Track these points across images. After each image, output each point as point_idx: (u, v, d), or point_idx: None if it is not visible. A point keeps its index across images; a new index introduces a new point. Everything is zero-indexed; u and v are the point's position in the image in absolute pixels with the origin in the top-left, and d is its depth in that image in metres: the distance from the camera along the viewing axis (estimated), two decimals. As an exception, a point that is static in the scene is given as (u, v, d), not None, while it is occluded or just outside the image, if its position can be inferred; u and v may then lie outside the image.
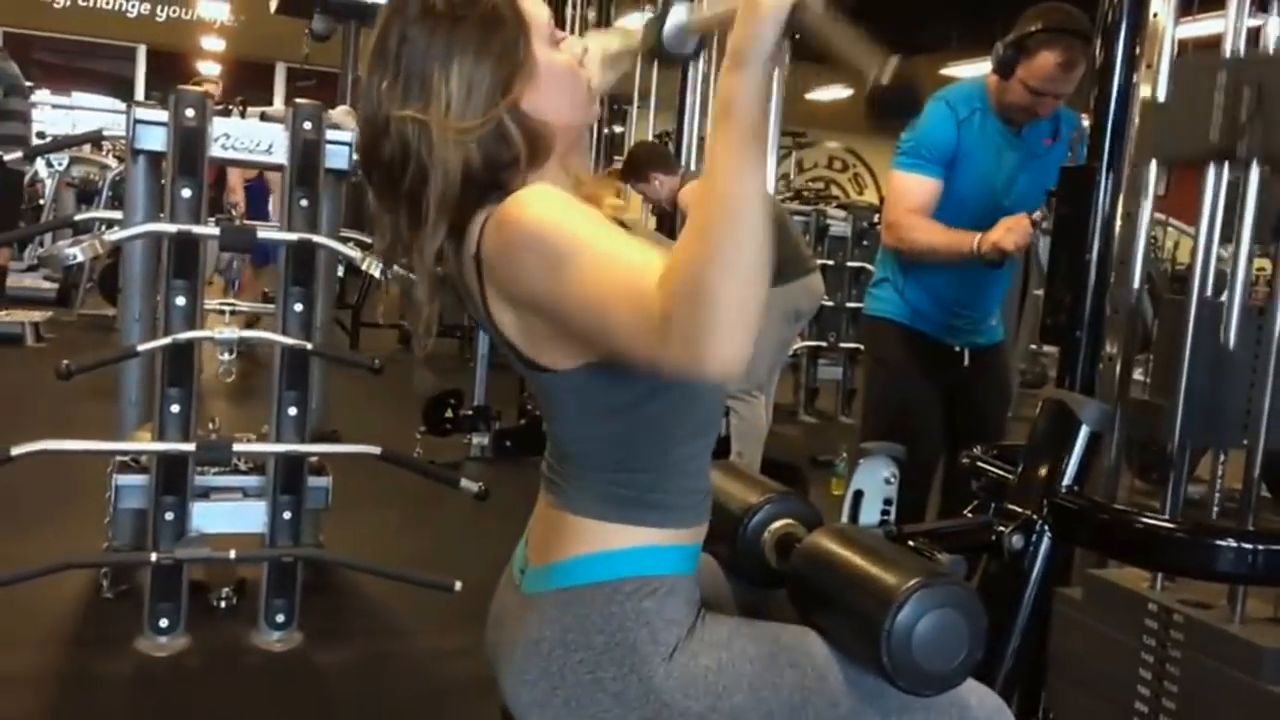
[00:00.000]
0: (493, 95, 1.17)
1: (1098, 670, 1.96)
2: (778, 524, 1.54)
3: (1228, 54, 1.83)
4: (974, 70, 9.97)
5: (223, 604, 3.16)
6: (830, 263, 6.95)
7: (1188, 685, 1.78)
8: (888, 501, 1.71)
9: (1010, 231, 2.62)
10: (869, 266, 7.30)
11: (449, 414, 5.38)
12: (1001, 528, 1.69)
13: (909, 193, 2.82)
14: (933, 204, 2.81)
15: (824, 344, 7.02)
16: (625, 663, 1.18)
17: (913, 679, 1.23)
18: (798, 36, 1.02)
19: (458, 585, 2.94)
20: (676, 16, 1.18)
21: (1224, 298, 1.80)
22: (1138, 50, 2.03)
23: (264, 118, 3.06)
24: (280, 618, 2.97)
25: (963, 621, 1.26)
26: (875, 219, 6.98)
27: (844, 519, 1.70)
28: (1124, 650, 1.90)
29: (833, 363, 7.12)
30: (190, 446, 2.82)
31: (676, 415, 1.22)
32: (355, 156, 1.27)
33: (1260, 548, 1.55)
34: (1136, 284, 2.01)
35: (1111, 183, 2.07)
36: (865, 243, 7.05)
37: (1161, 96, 2.02)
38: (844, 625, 1.30)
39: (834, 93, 14.58)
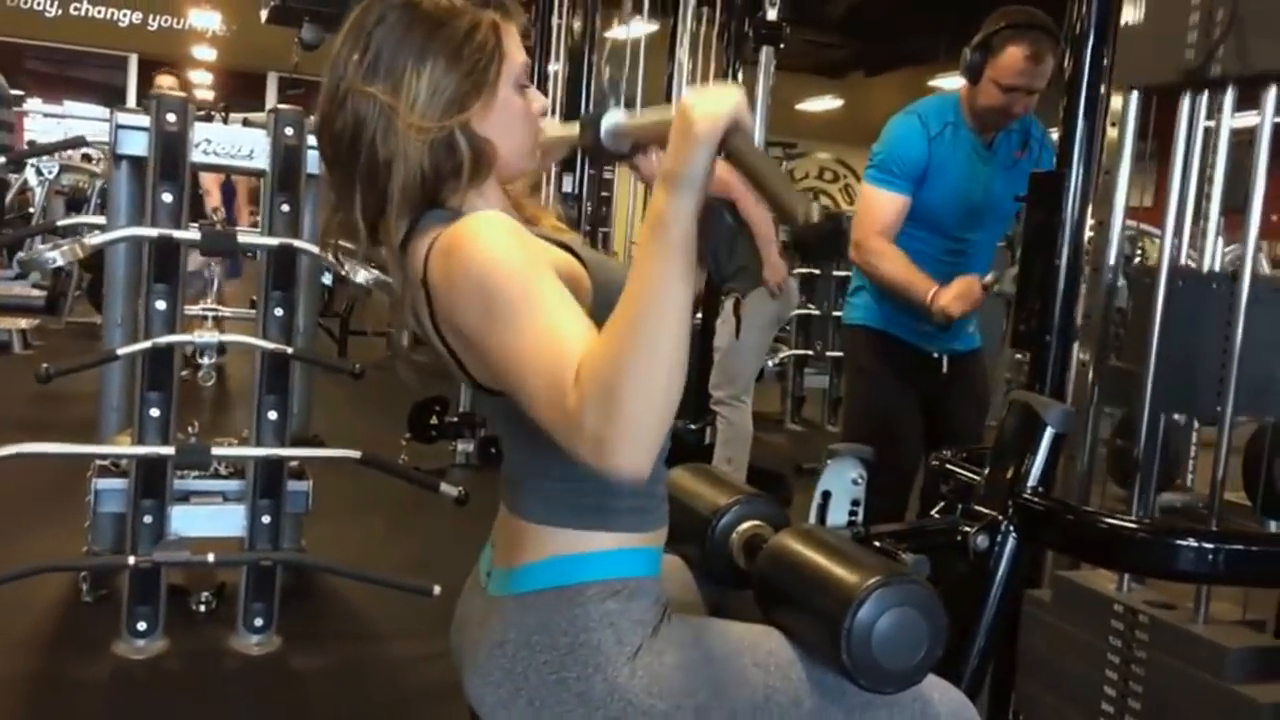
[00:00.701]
0: (450, 107, 1.20)
1: (1066, 671, 1.97)
2: (745, 525, 1.56)
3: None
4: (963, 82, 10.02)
5: (202, 608, 3.16)
6: (816, 272, 6.98)
7: (1153, 685, 1.80)
8: (855, 503, 1.73)
9: (959, 299, 2.66)
10: (855, 276, 7.32)
11: (434, 421, 5.37)
12: (966, 528, 1.70)
13: (877, 211, 2.83)
14: (899, 222, 2.84)
15: (810, 353, 7.04)
16: (589, 662, 1.19)
17: (873, 676, 1.24)
18: (729, 157, 1.05)
19: (437, 590, 2.95)
20: (610, 120, 1.23)
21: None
22: (1105, 59, 2.06)
23: (246, 123, 3.07)
24: (259, 621, 2.97)
25: (922, 619, 1.27)
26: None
27: (812, 520, 1.71)
28: (1091, 651, 1.92)
29: (819, 371, 7.14)
30: (169, 450, 2.82)
31: None
32: (315, 127, 1.28)
33: (1221, 548, 1.56)
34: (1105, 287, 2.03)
35: (1081, 189, 2.10)
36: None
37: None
38: (806, 624, 1.32)
39: (825, 104, 14.66)
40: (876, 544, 1.62)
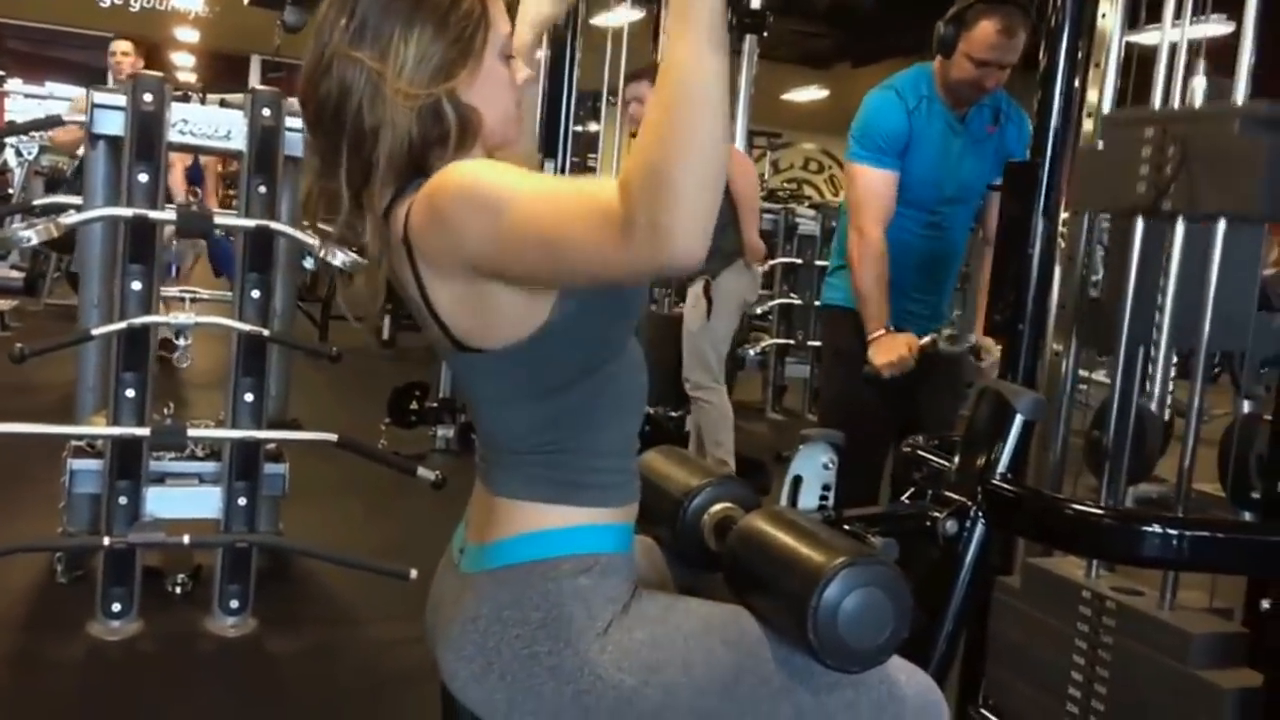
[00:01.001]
0: (437, 74, 1.19)
1: (1035, 657, 1.99)
2: (717, 507, 1.56)
3: (1156, 107, 1.88)
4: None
5: (178, 590, 3.15)
6: (799, 261, 6.99)
7: (1119, 670, 1.82)
8: (826, 487, 1.73)
9: (889, 365, 2.69)
10: (837, 265, 7.34)
11: (414, 406, 5.37)
12: (936, 514, 1.71)
13: (874, 195, 2.83)
14: (893, 200, 2.84)
15: (791, 342, 7.05)
16: (560, 637, 1.20)
17: (839, 656, 1.25)
18: None
19: (414, 573, 2.95)
20: None
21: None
22: (1080, 52, 2.07)
23: (224, 104, 3.05)
24: (235, 603, 2.97)
25: (887, 600, 1.28)
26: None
27: (783, 503, 1.72)
28: (1059, 637, 1.93)
29: (800, 360, 7.16)
30: (144, 431, 2.81)
31: (601, 398, 1.24)
32: (299, 91, 1.27)
33: (1186, 534, 1.57)
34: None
35: (1054, 180, 2.11)
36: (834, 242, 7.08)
37: (1106, 105, 2.07)
38: (773, 604, 1.32)
39: (810, 94, 14.67)
40: (846, 527, 1.63)
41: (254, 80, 14.25)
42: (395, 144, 1.18)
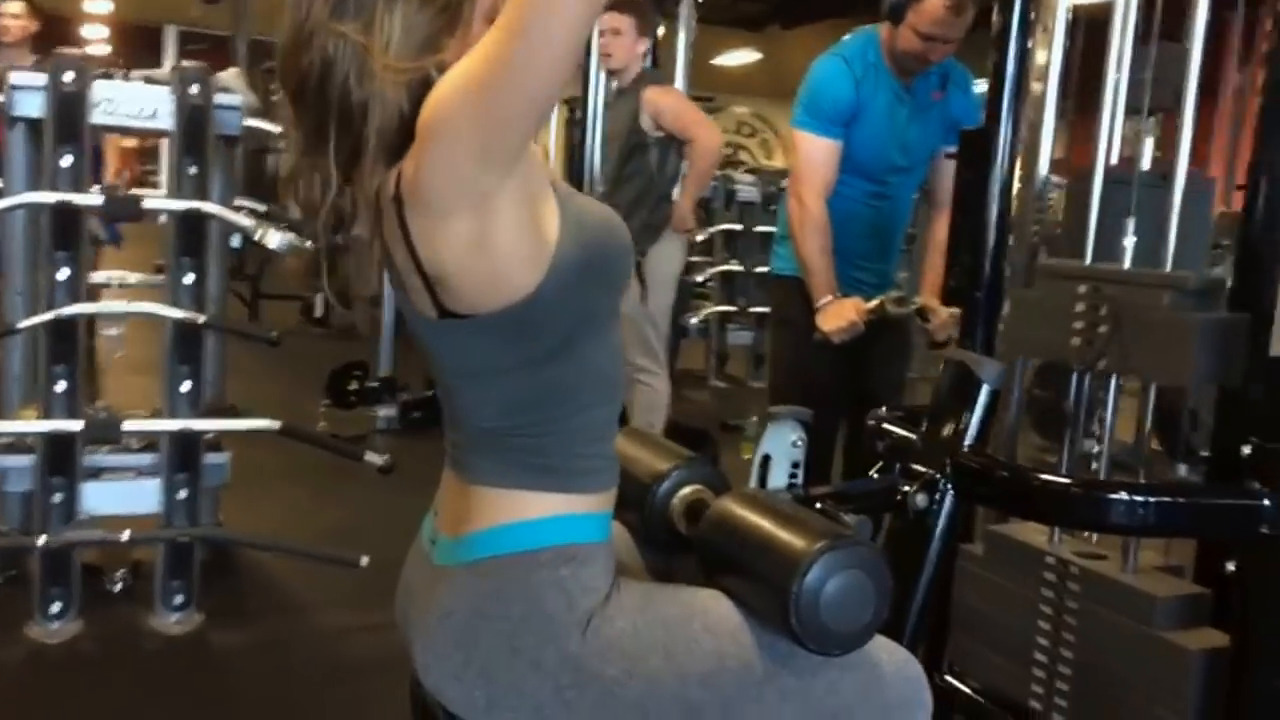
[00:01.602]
0: (425, 46, 1.14)
1: (999, 623, 1.99)
2: (686, 490, 1.54)
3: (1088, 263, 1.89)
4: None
5: (118, 587, 3.06)
6: (739, 227, 6.97)
7: (1084, 634, 1.82)
8: (795, 464, 1.71)
9: (838, 330, 2.70)
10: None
11: (354, 386, 5.29)
12: (906, 487, 1.70)
13: (816, 162, 2.81)
14: (836, 169, 2.83)
15: (734, 309, 7.04)
16: (542, 631, 1.17)
17: (821, 640, 1.23)
18: None
19: (364, 560, 2.89)
20: None
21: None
22: (1033, 14, 2.05)
23: (149, 82, 2.93)
24: (178, 599, 2.89)
25: (869, 582, 1.26)
26: (784, 184, 6.99)
27: (753, 483, 1.70)
28: (1023, 603, 1.93)
29: (742, 327, 7.15)
30: (77, 425, 2.71)
31: (582, 378, 1.21)
32: (277, 66, 1.21)
33: (1152, 500, 1.57)
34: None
35: (1009, 145, 2.09)
36: (773, 207, 7.05)
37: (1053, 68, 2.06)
38: (753, 589, 1.30)
39: (741, 57, 14.62)
40: (818, 506, 1.61)
41: (169, 53, 13.84)
42: (385, 119, 1.12)
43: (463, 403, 1.23)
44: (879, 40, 2.83)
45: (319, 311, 8.54)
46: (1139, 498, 1.58)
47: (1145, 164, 2.05)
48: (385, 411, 5.36)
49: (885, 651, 1.33)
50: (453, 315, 1.15)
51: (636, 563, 1.49)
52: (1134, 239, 1.81)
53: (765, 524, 1.32)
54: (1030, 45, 2.07)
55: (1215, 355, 1.65)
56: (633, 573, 1.41)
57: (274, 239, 2.87)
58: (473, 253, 1.11)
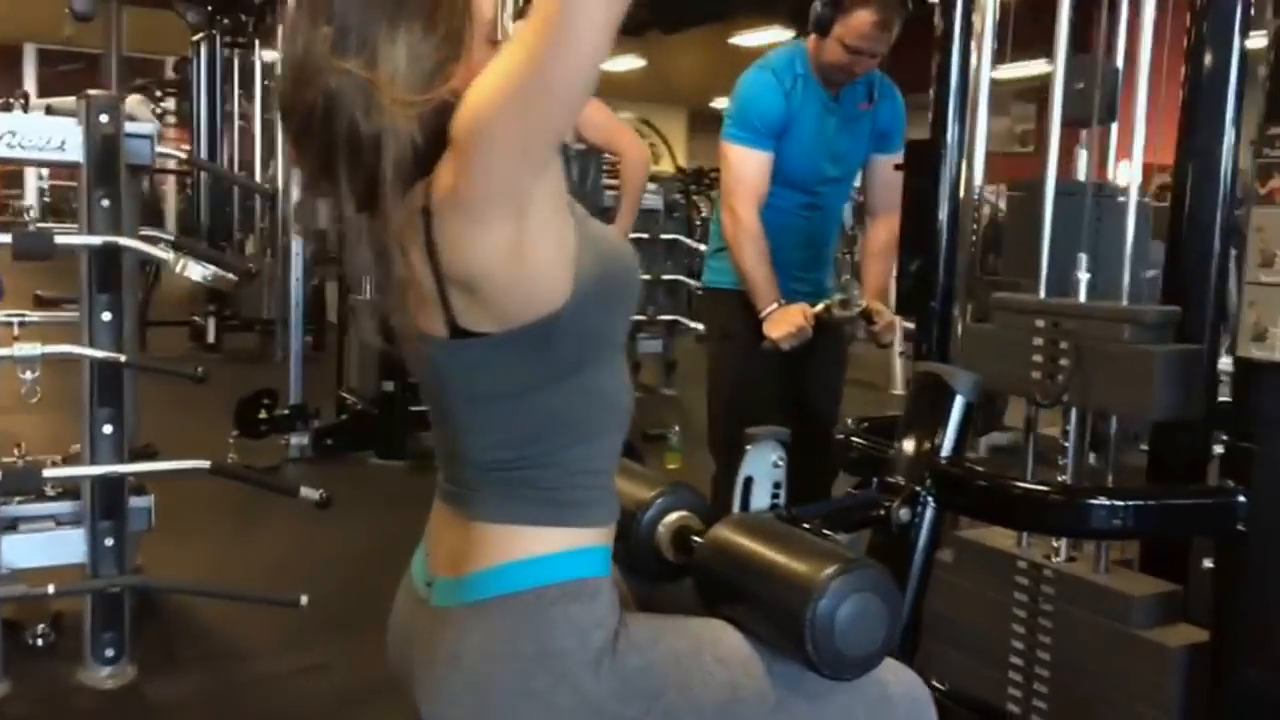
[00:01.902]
0: (432, 76, 1.11)
1: (971, 628, 2.01)
2: (672, 517, 1.53)
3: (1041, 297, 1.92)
4: (762, 38, 10.10)
5: (39, 642, 2.91)
6: (645, 235, 6.97)
7: (1061, 636, 1.85)
8: (777, 485, 1.71)
9: (788, 336, 2.69)
10: (683, 239, 7.37)
11: (264, 415, 5.13)
12: (887, 503, 1.70)
13: (747, 175, 2.81)
14: (767, 181, 2.83)
15: (643, 317, 7.04)
16: (555, 671, 1.14)
17: (836, 665, 1.23)
18: None
19: (304, 600, 2.79)
20: None
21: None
22: (976, 24, 2.09)
23: (50, 111, 2.79)
24: (109, 652, 2.75)
25: (881, 604, 1.27)
26: (688, 188, 7.03)
27: (735, 506, 1.69)
28: (996, 606, 1.96)
29: (651, 336, 7.17)
30: (-6, 477, 2.57)
31: (588, 406, 1.19)
32: (278, 102, 1.17)
33: (1130, 503, 1.61)
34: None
35: (955, 155, 2.12)
36: (675, 214, 7.09)
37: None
38: (762, 618, 1.30)
39: (627, 63, 14.64)
40: (805, 526, 1.60)
41: (30, 71, 13.25)
42: (400, 152, 1.09)
43: (465, 433, 1.20)
44: (806, 52, 2.84)
45: (211, 337, 8.30)
46: (1119, 502, 1.61)
47: (1082, 175, 2.10)
48: (298, 440, 5.22)
49: (891, 672, 1.34)
50: (466, 334, 1.13)
51: (623, 591, 1.47)
52: (1088, 275, 1.84)
53: (769, 551, 1.32)
54: (975, 55, 2.11)
55: (1176, 387, 1.69)
56: (621, 603, 1.39)
57: (195, 270, 2.76)
58: (510, 260, 1.09)
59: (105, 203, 2.70)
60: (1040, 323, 1.84)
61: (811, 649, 1.21)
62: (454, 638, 1.17)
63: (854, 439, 1.98)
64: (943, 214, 2.11)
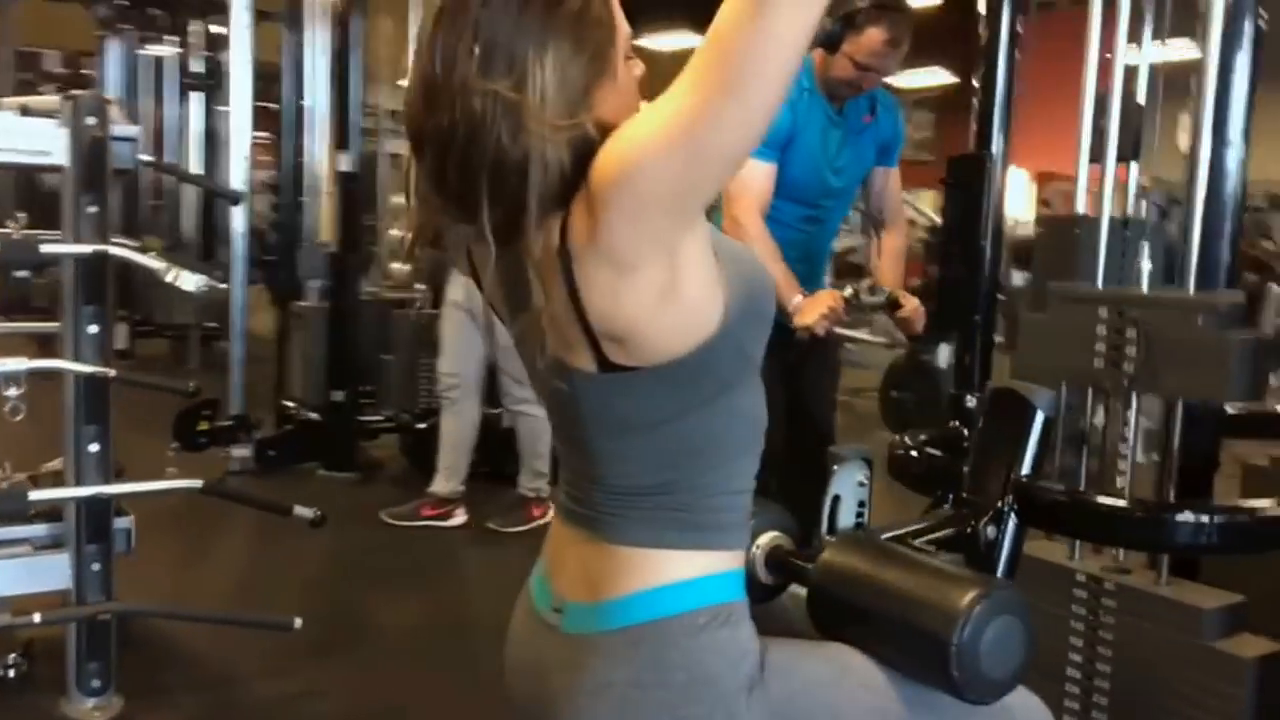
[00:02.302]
0: (581, 99, 1.07)
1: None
2: (764, 538, 1.53)
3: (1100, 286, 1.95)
4: (668, 43, 9.96)
5: (11, 673, 2.74)
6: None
7: (1123, 650, 1.88)
8: (861, 504, 1.72)
9: (822, 318, 2.66)
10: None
11: (204, 426, 4.93)
12: (974, 521, 1.70)
13: (751, 184, 2.80)
14: (770, 191, 2.83)
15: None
16: (707, 698, 1.12)
17: (980, 689, 1.25)
18: None
19: (298, 622, 2.69)
20: None
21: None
22: (1022, 32, 2.10)
23: (26, 112, 2.64)
24: (96, 682, 2.61)
25: (1020, 626, 1.28)
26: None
27: (824, 525, 1.69)
28: (1052, 620, 1.98)
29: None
30: (-20, 500, 2.41)
31: (729, 426, 1.17)
32: (405, 122, 1.11)
33: (1216, 520, 1.63)
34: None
35: (1000, 171, 2.14)
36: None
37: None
38: (900, 643, 1.29)
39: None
40: (915, 544, 1.60)
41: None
42: (548, 180, 1.05)
43: (604, 460, 1.17)
44: (812, 66, 2.85)
45: (123, 343, 7.98)
46: (1205, 518, 1.63)
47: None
48: (240, 452, 5.04)
49: (1017, 695, 1.34)
50: (615, 368, 1.10)
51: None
52: (1149, 265, 1.88)
53: (902, 575, 1.32)
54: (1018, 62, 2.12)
55: (1249, 373, 1.73)
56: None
57: (188, 280, 2.64)
58: (662, 302, 1.06)
59: (92, 209, 2.56)
60: (1103, 312, 1.85)
61: (957, 674, 1.21)
62: (599, 665, 1.14)
63: (914, 453, 1.98)
64: (987, 229, 2.13)
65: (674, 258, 1.05)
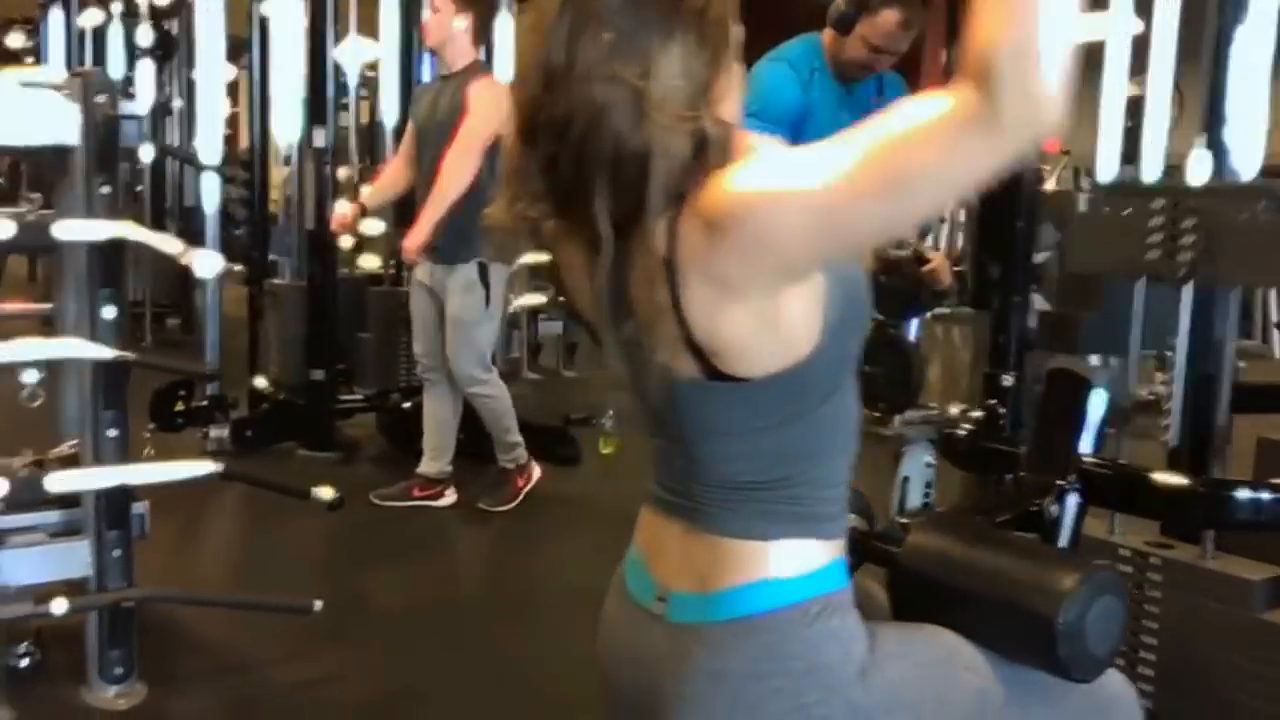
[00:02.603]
0: (702, 93, 1.06)
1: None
2: None
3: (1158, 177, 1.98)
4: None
5: (24, 662, 2.69)
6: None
7: (1170, 623, 1.94)
8: (928, 484, 1.75)
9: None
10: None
11: (180, 408, 4.85)
12: (1039, 499, 1.74)
13: None
14: None
15: (543, 300, 6.95)
16: (826, 684, 1.14)
17: (1084, 667, 1.29)
18: None
19: (318, 605, 2.68)
20: None
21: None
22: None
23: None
24: (118, 670, 2.57)
25: (1119, 604, 1.32)
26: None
27: (894, 505, 1.73)
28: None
29: (552, 318, 7.09)
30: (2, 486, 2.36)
31: (835, 423, 1.18)
32: (515, 110, 1.09)
33: (1275, 498, 1.69)
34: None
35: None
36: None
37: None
38: (1001, 624, 1.32)
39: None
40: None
41: None
42: (670, 174, 1.04)
43: (708, 460, 1.18)
44: (822, 46, 2.87)
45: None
46: (1267, 495, 1.69)
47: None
48: (216, 433, 4.95)
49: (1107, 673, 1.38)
50: (722, 377, 1.10)
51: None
52: (1209, 153, 1.90)
53: (999, 556, 1.35)
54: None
55: None
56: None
57: (202, 264, 2.59)
58: (762, 326, 1.07)
59: (106, 189, 2.50)
60: (1158, 203, 1.88)
61: (1064, 653, 1.25)
62: (711, 655, 1.15)
63: (960, 432, 2.01)
64: (1020, 213, 2.16)
65: (778, 296, 1.06)
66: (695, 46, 1.05)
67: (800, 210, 1.00)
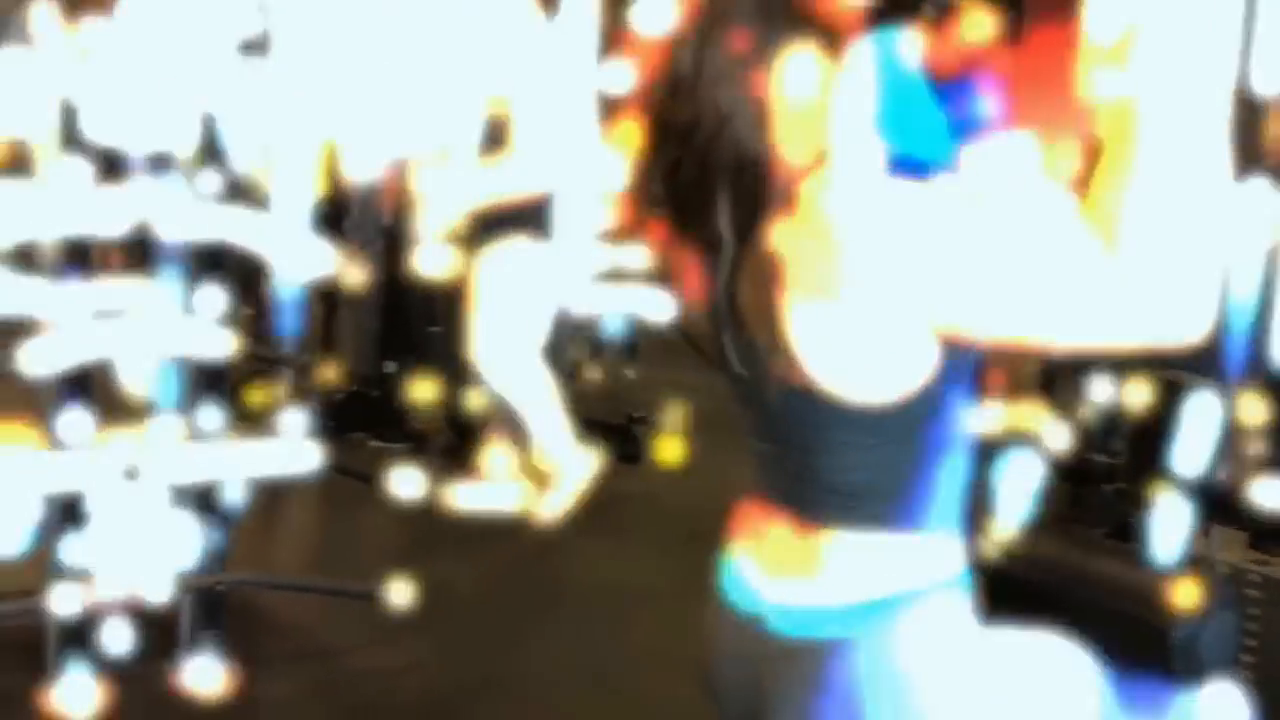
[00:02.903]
0: (823, 102, 1.08)
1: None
2: None
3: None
4: None
5: (115, 644, 2.74)
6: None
7: (1269, 638, 1.91)
8: (1029, 493, 1.75)
9: None
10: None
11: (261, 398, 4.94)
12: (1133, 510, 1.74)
13: None
14: None
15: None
16: (941, 690, 1.15)
17: (1195, 679, 1.28)
18: None
19: (407, 596, 2.74)
20: None
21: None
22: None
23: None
24: (210, 653, 2.64)
25: (1234, 619, 1.32)
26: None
27: (995, 512, 1.72)
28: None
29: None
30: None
31: (952, 437, 1.18)
32: (647, 114, 1.14)
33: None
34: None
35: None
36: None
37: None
38: (1110, 632, 1.32)
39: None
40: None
41: None
42: (789, 179, 1.06)
43: (827, 469, 1.18)
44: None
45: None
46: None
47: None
48: (291, 422, 5.03)
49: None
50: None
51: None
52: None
53: (1108, 565, 1.35)
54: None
55: None
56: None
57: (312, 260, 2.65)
58: (869, 346, 1.08)
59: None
60: None
61: (1180, 664, 1.26)
62: (827, 663, 1.16)
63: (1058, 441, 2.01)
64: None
65: (884, 320, 1.06)
66: (820, 57, 1.07)
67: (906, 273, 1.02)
